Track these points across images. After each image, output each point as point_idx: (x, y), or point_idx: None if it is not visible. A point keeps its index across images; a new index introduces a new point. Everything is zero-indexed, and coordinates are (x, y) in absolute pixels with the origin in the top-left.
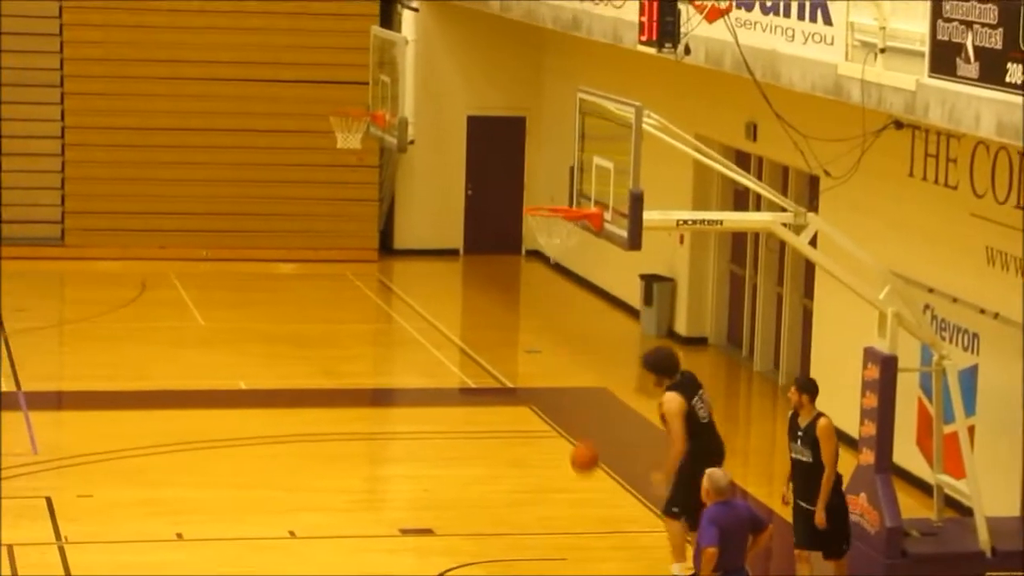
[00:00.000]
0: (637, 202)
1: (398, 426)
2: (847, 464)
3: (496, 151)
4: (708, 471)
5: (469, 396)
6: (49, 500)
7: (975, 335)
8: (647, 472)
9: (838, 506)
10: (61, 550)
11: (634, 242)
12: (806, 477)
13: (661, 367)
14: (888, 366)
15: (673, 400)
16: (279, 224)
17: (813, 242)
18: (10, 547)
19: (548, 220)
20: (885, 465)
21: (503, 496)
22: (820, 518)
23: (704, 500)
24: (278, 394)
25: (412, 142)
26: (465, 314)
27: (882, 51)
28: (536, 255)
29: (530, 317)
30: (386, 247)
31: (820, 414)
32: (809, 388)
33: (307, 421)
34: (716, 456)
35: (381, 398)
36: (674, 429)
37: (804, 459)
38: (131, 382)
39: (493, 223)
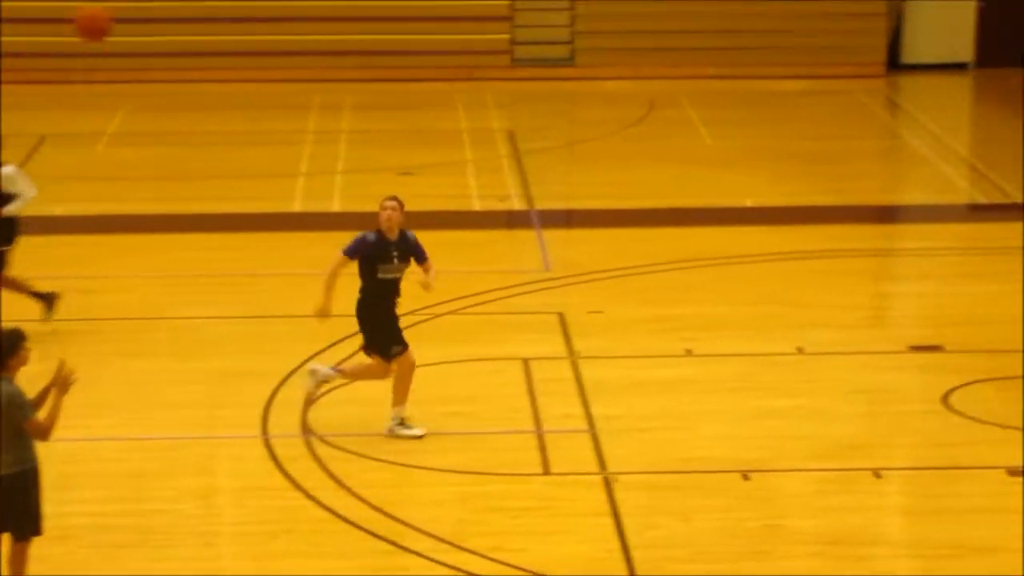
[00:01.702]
0: None
1: (907, 243)
2: None
3: None
4: None
5: (979, 212)
6: (561, 316)
7: None
8: None
9: None
10: (573, 364)
11: None
12: None
13: None
14: None
15: None
16: (786, 40)
17: None
18: (525, 360)
19: None
20: None
21: (1015, 312)
22: None
23: None
24: (786, 211)
25: None
26: (975, 128)
27: None
28: None
29: None
30: (893, 62)
31: None
32: None
33: (815, 238)
34: None
35: (890, 215)
36: None
37: None
38: (640, 200)
39: (1005, 35)
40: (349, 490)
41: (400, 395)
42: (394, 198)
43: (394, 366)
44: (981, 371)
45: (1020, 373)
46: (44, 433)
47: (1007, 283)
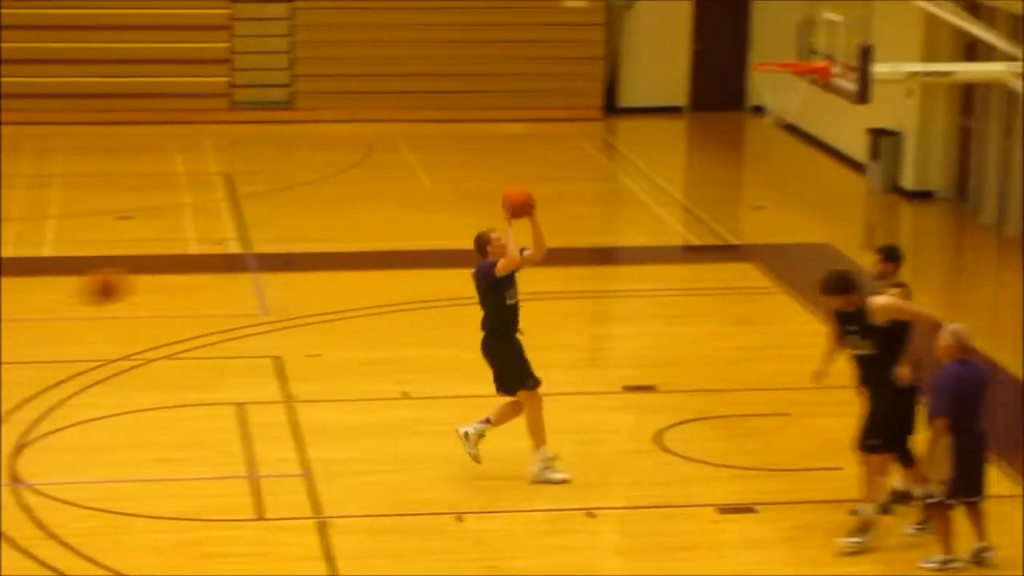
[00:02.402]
0: (867, 55)
1: (622, 284)
2: None
3: (722, 6)
4: (952, 326)
5: (693, 253)
6: (278, 359)
7: None
8: None
9: None
10: (289, 408)
11: (863, 95)
12: None
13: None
14: None
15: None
16: (504, 84)
17: None
18: (240, 405)
19: (776, 77)
20: None
21: (727, 353)
22: None
23: (943, 359)
24: None
25: None
26: (689, 171)
27: None
28: (762, 111)
29: (754, 173)
30: (611, 105)
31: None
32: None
33: (532, 280)
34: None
35: (605, 256)
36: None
37: None
38: (359, 244)
39: (718, 79)
40: (58, 540)
41: (540, 434)
42: (494, 230)
43: (523, 404)
44: (692, 410)
45: (729, 412)
46: None
47: (719, 324)
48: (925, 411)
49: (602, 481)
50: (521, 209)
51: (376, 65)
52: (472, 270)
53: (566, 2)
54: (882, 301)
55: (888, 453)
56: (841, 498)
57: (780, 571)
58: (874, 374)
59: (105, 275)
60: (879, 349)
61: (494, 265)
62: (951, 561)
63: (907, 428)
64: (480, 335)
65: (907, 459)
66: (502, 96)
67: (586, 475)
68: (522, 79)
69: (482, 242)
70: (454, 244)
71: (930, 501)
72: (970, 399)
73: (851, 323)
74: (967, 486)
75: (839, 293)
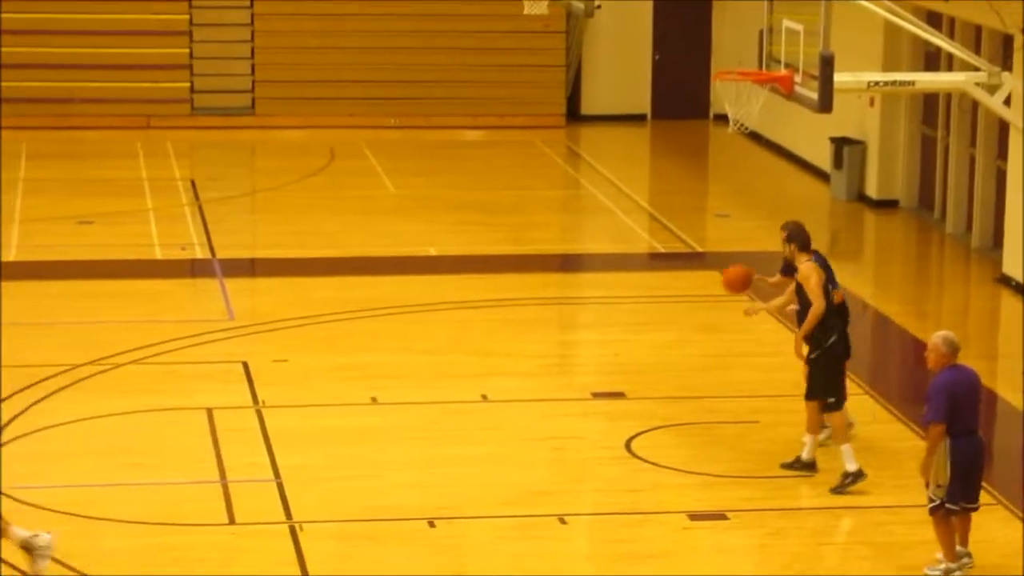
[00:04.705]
0: (828, 64)
1: (588, 291)
2: None
3: (682, 15)
4: (942, 333)
5: (658, 261)
6: (245, 364)
7: None
8: None
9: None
10: (258, 413)
11: (825, 104)
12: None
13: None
14: None
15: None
16: (466, 91)
17: (1007, 102)
18: (209, 410)
19: (738, 86)
20: None
21: (694, 360)
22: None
23: (932, 366)
24: (468, 260)
25: (599, 7)
26: (653, 179)
27: None
28: (724, 119)
29: (718, 181)
30: (573, 113)
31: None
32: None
33: (497, 287)
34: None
35: (570, 264)
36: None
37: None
38: (322, 250)
39: (680, 88)
40: None
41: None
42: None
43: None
44: (661, 417)
45: (698, 419)
46: None
47: (685, 331)
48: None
49: (572, 487)
50: (741, 286)
51: (337, 71)
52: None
53: (527, 10)
54: None
55: None
56: (812, 506)
57: None
58: None
59: (741, 269)
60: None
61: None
62: (953, 569)
63: None
64: None
65: None
66: (464, 103)
67: (556, 481)
68: (484, 86)
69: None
70: (419, 250)
71: (931, 506)
72: (965, 403)
73: None
74: (964, 491)
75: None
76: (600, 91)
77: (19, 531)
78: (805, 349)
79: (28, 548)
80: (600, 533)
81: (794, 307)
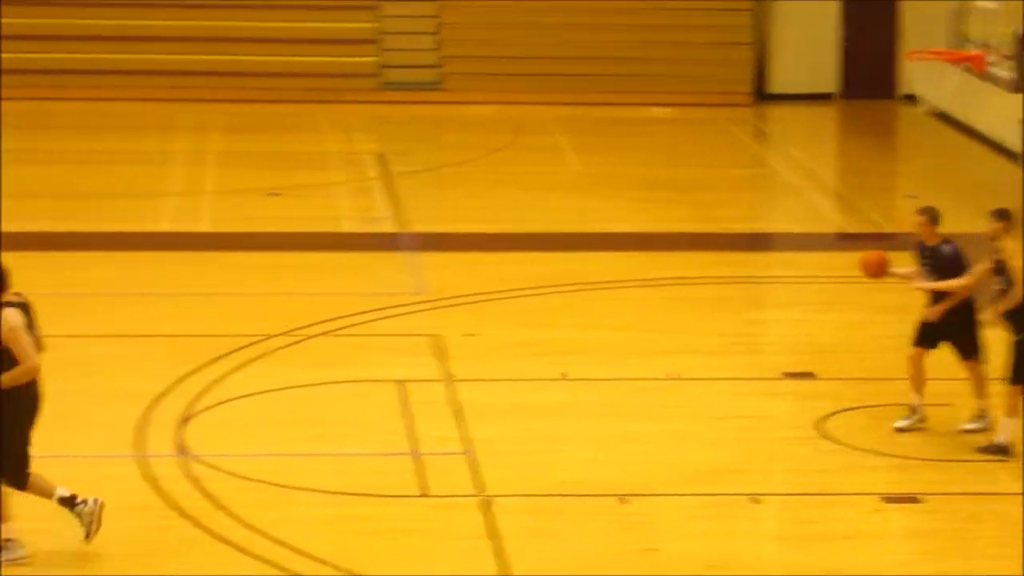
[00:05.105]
0: (1023, 43)
1: (774, 270)
2: None
3: None
4: None
5: (846, 241)
6: (435, 338)
7: None
8: None
9: None
10: (449, 386)
11: (1019, 84)
12: None
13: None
14: None
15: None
16: (652, 68)
17: None
18: (400, 382)
19: (928, 65)
20: None
21: (883, 341)
22: None
23: None
24: (653, 237)
25: None
26: (840, 159)
27: None
28: (913, 100)
29: (907, 162)
30: (760, 91)
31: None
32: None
33: (683, 265)
34: None
35: (757, 242)
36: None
37: None
38: (509, 225)
39: (868, 67)
40: (225, 510)
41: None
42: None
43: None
44: (852, 399)
45: (888, 401)
46: None
47: (872, 312)
48: None
49: (763, 467)
50: (878, 270)
51: (525, 48)
52: None
53: None
54: None
55: None
56: (1010, 491)
57: (947, 563)
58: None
59: (877, 254)
60: None
61: None
62: None
63: None
64: None
65: None
66: (650, 80)
67: (747, 461)
68: (671, 63)
69: None
70: (603, 227)
71: None
72: None
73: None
74: None
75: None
76: (788, 69)
77: (60, 490)
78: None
79: (69, 506)
80: (790, 513)
81: (999, 287)
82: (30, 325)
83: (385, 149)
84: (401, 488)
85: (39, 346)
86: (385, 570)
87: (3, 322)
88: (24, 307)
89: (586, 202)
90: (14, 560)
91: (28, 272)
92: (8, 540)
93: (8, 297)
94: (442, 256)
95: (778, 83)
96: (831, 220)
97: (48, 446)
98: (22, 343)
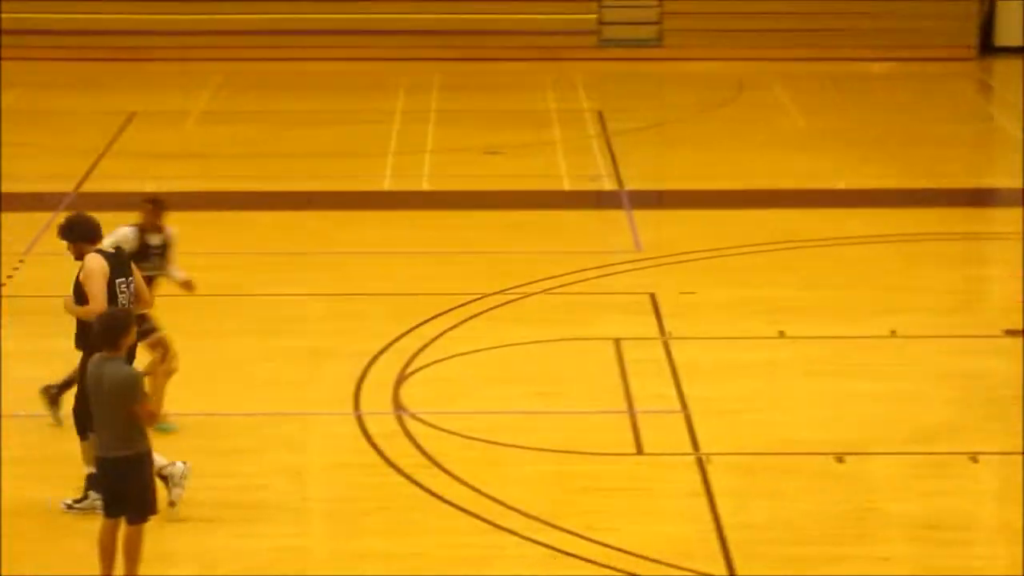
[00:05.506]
0: None
1: (998, 227)
2: None
3: None
4: None
5: None
6: (653, 296)
7: None
8: None
9: None
10: (665, 344)
11: None
12: None
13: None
14: None
15: None
16: (877, 23)
17: None
18: (617, 341)
19: None
20: None
21: None
22: None
23: None
24: (874, 194)
25: None
26: None
27: None
28: None
29: None
30: (986, 45)
31: None
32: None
33: (906, 221)
34: None
35: (980, 198)
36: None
37: None
38: (729, 182)
39: None
40: (442, 468)
41: None
42: None
43: None
44: None
45: None
46: (150, 419)
47: None
48: None
49: (983, 426)
50: None
51: (745, 3)
52: None
53: None
54: None
55: None
56: None
57: None
58: None
59: None
60: None
61: None
62: None
63: None
64: None
65: None
66: (875, 35)
67: (965, 419)
68: (895, 18)
69: None
70: (827, 184)
71: None
72: None
73: None
74: None
75: None
76: (1016, 21)
77: (157, 457)
78: None
79: (164, 477)
80: (1012, 473)
81: None
82: (119, 275)
83: (604, 107)
84: (617, 446)
85: (140, 299)
86: (601, 527)
87: (84, 265)
88: (117, 257)
89: (807, 158)
90: (185, 474)
91: (257, 230)
92: (161, 468)
93: (102, 247)
94: (661, 214)
95: (1006, 36)
96: None
97: (268, 404)
98: (93, 288)
